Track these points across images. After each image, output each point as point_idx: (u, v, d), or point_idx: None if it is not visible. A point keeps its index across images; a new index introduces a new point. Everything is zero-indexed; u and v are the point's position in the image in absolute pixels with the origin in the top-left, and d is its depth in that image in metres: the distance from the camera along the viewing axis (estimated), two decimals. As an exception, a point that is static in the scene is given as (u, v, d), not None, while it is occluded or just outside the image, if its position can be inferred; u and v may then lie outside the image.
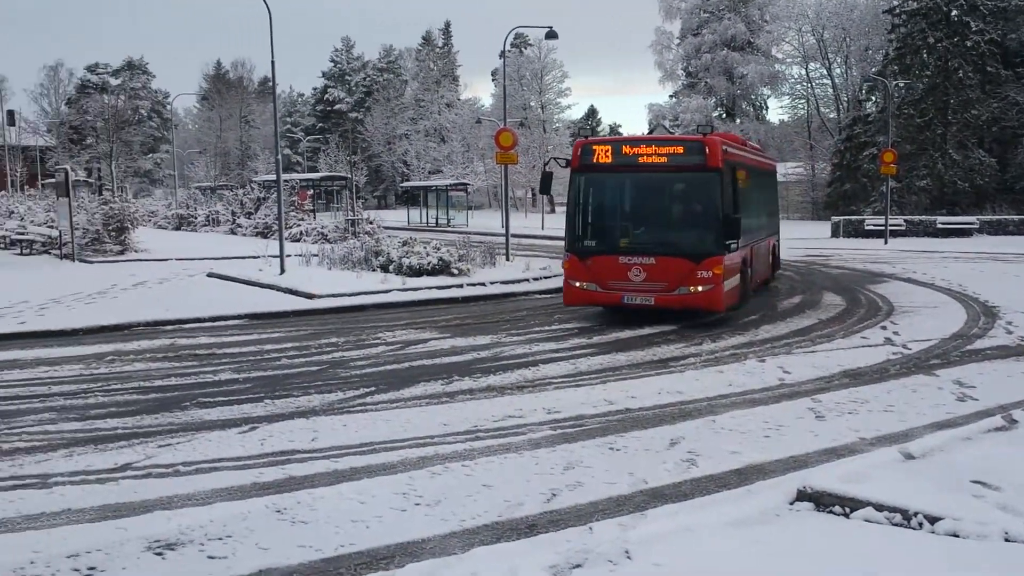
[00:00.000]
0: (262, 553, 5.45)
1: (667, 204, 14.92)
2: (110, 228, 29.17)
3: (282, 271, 20.24)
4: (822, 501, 5.72)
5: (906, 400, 9.24)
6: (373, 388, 9.94)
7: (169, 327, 14.84)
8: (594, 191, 14.94)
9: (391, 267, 20.20)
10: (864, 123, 49.92)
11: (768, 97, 67.14)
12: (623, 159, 14.50)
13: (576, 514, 6.06)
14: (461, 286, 19.13)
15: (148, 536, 5.66)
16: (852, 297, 17.94)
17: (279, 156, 21.72)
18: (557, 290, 16.77)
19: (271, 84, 21.94)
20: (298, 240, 32.19)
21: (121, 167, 61.09)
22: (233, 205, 42.45)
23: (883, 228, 36.83)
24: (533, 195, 74.76)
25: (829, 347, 12.44)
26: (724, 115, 65.63)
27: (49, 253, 29.12)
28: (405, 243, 21.78)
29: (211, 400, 9.42)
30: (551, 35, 27.52)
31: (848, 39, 55.94)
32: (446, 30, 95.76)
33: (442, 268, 20.09)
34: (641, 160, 14.34)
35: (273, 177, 33.73)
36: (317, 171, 69.73)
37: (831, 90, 59.57)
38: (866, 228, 39.21)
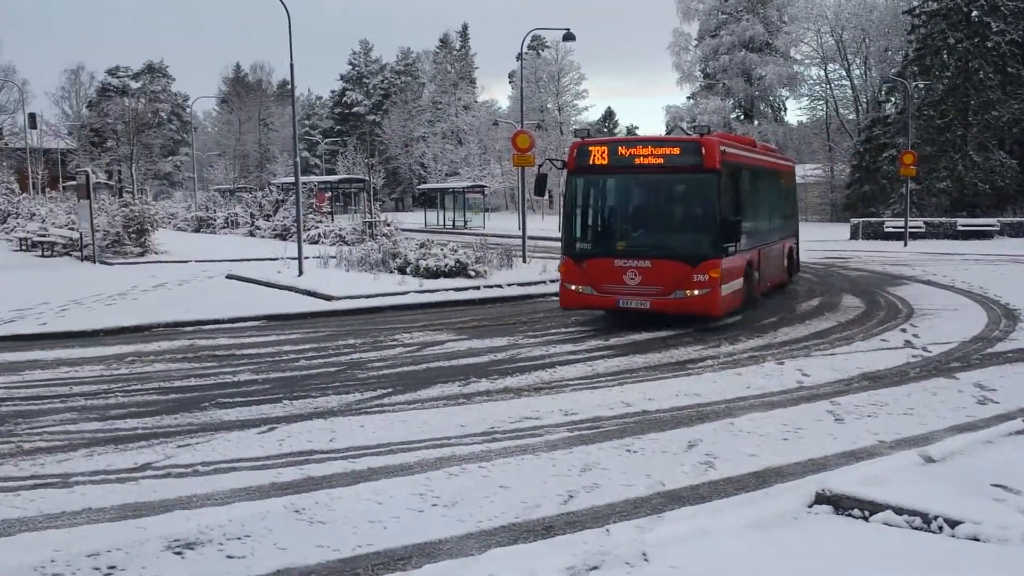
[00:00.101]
0: (280, 553, 5.48)
1: (663, 206, 14.75)
2: (130, 230, 29.37)
3: (300, 273, 20.33)
4: (841, 504, 5.69)
5: (926, 403, 9.17)
6: (391, 389, 9.96)
7: (189, 328, 14.93)
8: (589, 193, 14.81)
9: (408, 269, 20.25)
10: (883, 124, 49.57)
11: (786, 98, 66.78)
12: (619, 160, 14.28)
13: (593, 516, 6.06)
14: (478, 288, 19.15)
15: (168, 535, 5.71)
16: (871, 299, 17.82)
17: (297, 159, 21.86)
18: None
19: (290, 87, 22.07)
20: (316, 242, 32.30)
21: (141, 170, 61.57)
22: (252, 207, 42.66)
23: (902, 230, 36.51)
24: (550, 197, 74.70)
25: (848, 349, 12.36)
26: (742, 117, 65.37)
27: (70, 255, 29.36)
28: (422, 245, 21.83)
29: (230, 401, 9.48)
30: (568, 37, 27.53)
31: (867, 40, 55.54)
32: (463, 32, 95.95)
33: (459, 270, 20.11)
34: (637, 161, 14.11)
35: (291, 180, 33.85)
36: (335, 174, 69.99)
37: (850, 91, 59.17)
38: (885, 230, 38.93)
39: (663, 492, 6.53)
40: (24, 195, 45.10)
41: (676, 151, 14.04)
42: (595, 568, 4.93)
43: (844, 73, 58.66)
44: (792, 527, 5.44)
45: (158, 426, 8.48)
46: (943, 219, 40.12)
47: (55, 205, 38.83)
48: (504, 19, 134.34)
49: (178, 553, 5.48)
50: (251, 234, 40.04)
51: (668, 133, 52.55)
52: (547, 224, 52.82)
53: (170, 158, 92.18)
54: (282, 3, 20.21)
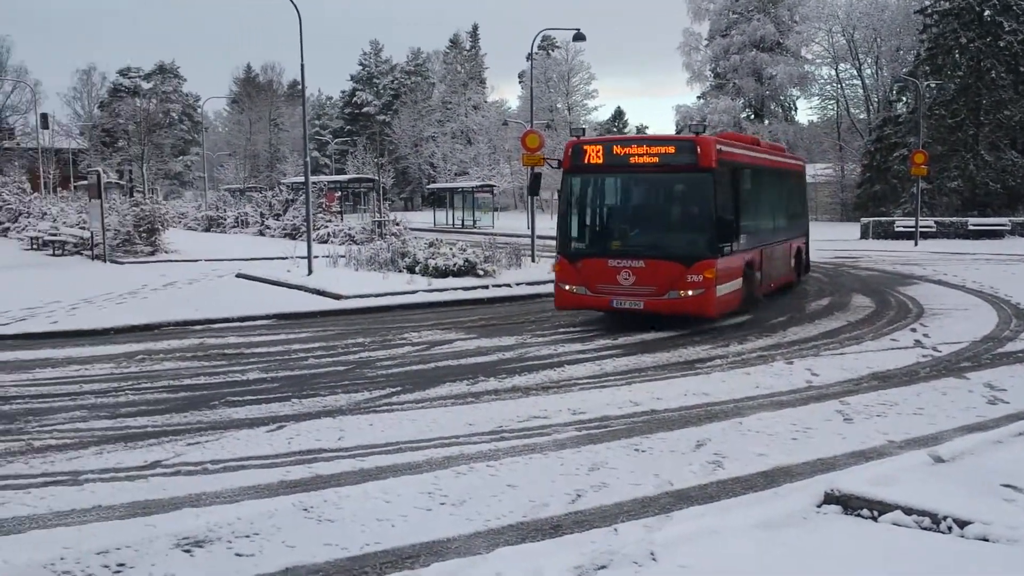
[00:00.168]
0: (289, 551, 5.49)
1: (658, 205, 14.60)
2: (141, 229, 29.52)
3: (310, 272, 20.38)
4: (850, 504, 5.67)
5: (936, 403, 9.13)
6: (399, 388, 9.98)
7: (198, 327, 14.99)
8: (584, 192, 14.69)
9: (417, 268, 20.27)
10: (894, 124, 49.36)
11: (797, 98, 66.55)
12: (614, 159, 14.13)
13: (601, 515, 6.05)
14: (487, 287, 19.15)
15: (177, 533, 5.72)
16: (881, 299, 17.75)
17: (307, 158, 21.90)
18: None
19: (300, 87, 22.11)
20: (325, 241, 32.41)
21: (152, 169, 61.79)
22: (262, 207, 42.81)
23: (913, 230, 36.37)
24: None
25: (858, 349, 12.32)
26: (752, 116, 65.15)
27: (81, 254, 29.51)
28: (431, 244, 21.85)
29: (239, 399, 9.51)
30: (579, 37, 27.51)
31: (879, 39, 55.34)
32: (474, 33, 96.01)
33: (468, 269, 20.12)
34: (632, 161, 13.96)
35: (301, 179, 34.00)
36: (345, 173, 70.15)
37: (861, 91, 58.99)
38: (896, 230, 38.76)
39: (671, 491, 6.52)
40: (36, 194, 45.32)
41: (671, 150, 13.87)
42: (603, 567, 4.93)
43: (855, 73, 58.50)
44: (801, 527, 5.43)
45: (168, 424, 8.52)
46: (954, 219, 39.93)
47: (66, 204, 38.97)
48: (514, 19, 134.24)
49: (187, 551, 5.50)
50: (261, 233, 40.19)
51: (678, 133, 52.49)
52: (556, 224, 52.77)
53: (181, 158, 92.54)
54: (292, 3, 20.28)
